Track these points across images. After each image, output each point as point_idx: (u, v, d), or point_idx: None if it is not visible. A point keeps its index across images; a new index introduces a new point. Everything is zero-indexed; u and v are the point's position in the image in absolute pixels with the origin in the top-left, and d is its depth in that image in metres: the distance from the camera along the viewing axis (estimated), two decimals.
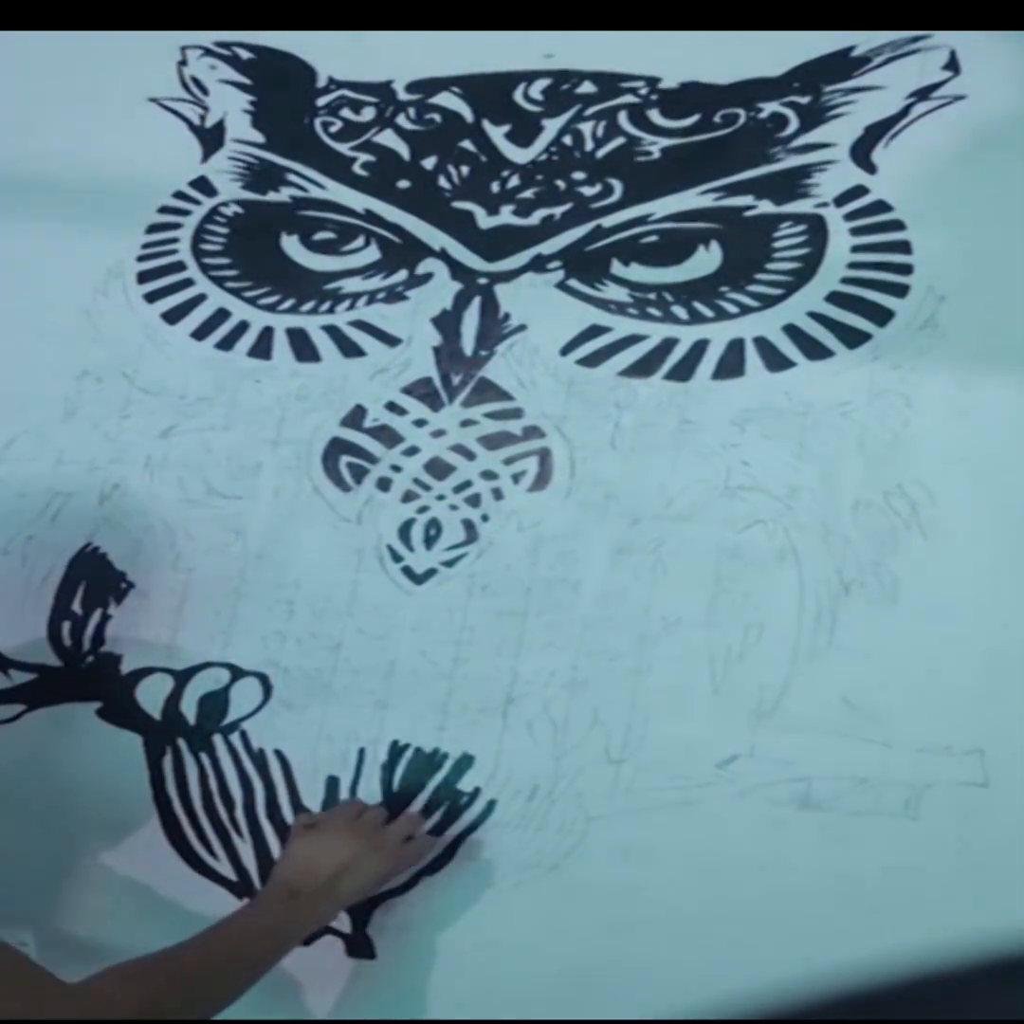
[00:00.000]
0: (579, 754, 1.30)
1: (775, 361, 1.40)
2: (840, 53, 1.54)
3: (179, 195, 1.66)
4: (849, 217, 1.45)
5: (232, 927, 1.14)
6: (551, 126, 1.60)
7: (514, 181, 1.57)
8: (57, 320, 1.59)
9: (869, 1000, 1.16)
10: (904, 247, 1.42)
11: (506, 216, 1.55)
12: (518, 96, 1.63)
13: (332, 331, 1.53)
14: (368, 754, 1.36)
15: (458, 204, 1.57)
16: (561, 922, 1.26)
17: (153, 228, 1.64)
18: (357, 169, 1.63)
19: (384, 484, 1.45)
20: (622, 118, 1.58)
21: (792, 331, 1.41)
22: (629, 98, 1.59)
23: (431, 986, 1.28)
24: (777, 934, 1.21)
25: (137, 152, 1.70)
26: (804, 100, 1.53)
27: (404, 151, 1.63)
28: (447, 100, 1.65)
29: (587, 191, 1.54)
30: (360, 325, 1.53)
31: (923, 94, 1.49)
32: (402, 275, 1.54)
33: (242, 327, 1.56)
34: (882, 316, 1.39)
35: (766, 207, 1.48)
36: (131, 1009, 0.99)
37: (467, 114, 1.64)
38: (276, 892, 1.18)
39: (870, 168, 1.47)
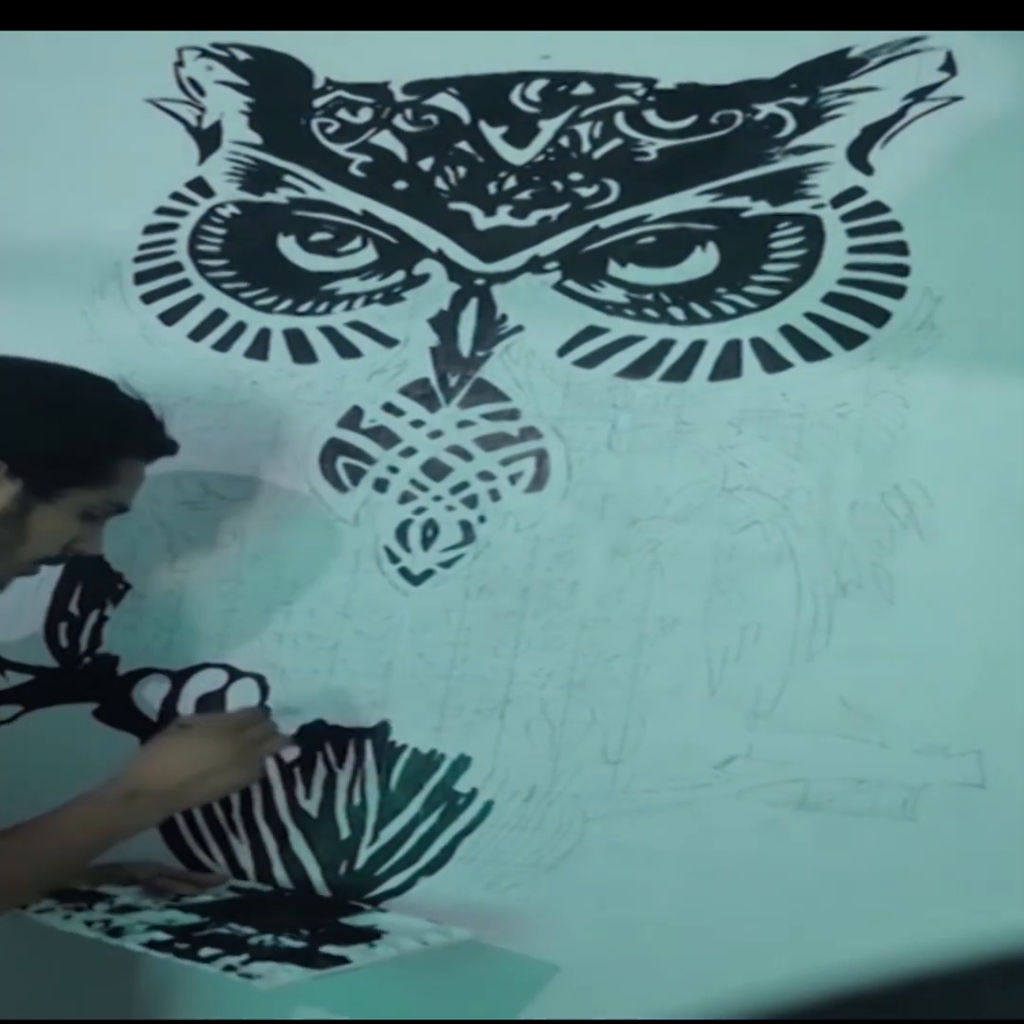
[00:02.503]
0: (576, 755, 1.31)
1: (772, 362, 1.40)
2: (837, 54, 1.54)
3: (176, 196, 1.66)
4: (846, 218, 1.45)
5: (61, 815, 1.15)
6: (548, 127, 1.60)
7: (511, 182, 1.57)
8: (54, 320, 1.59)
9: (867, 1000, 1.16)
10: (901, 248, 1.42)
11: (503, 217, 1.55)
12: (515, 97, 1.63)
13: (329, 332, 1.53)
14: (366, 755, 1.36)
15: (455, 205, 1.57)
16: (559, 922, 1.26)
17: (150, 229, 1.65)
18: (354, 170, 1.63)
19: (381, 485, 1.45)
20: (619, 119, 1.58)
21: (789, 332, 1.41)
22: (626, 99, 1.59)
23: (430, 986, 1.28)
24: (775, 934, 1.21)
25: (134, 153, 1.70)
26: (801, 101, 1.53)
27: (401, 152, 1.63)
28: (444, 101, 1.65)
29: (584, 192, 1.54)
30: (357, 326, 1.53)
31: (920, 95, 1.49)
32: (399, 276, 1.55)
33: (239, 328, 1.56)
34: (879, 317, 1.39)
35: (763, 208, 1.48)
36: None
37: (464, 115, 1.64)
38: (116, 790, 1.18)
39: (867, 169, 1.47)
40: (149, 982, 1.33)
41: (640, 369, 1.43)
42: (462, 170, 1.60)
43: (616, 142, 1.57)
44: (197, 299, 1.59)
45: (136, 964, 1.29)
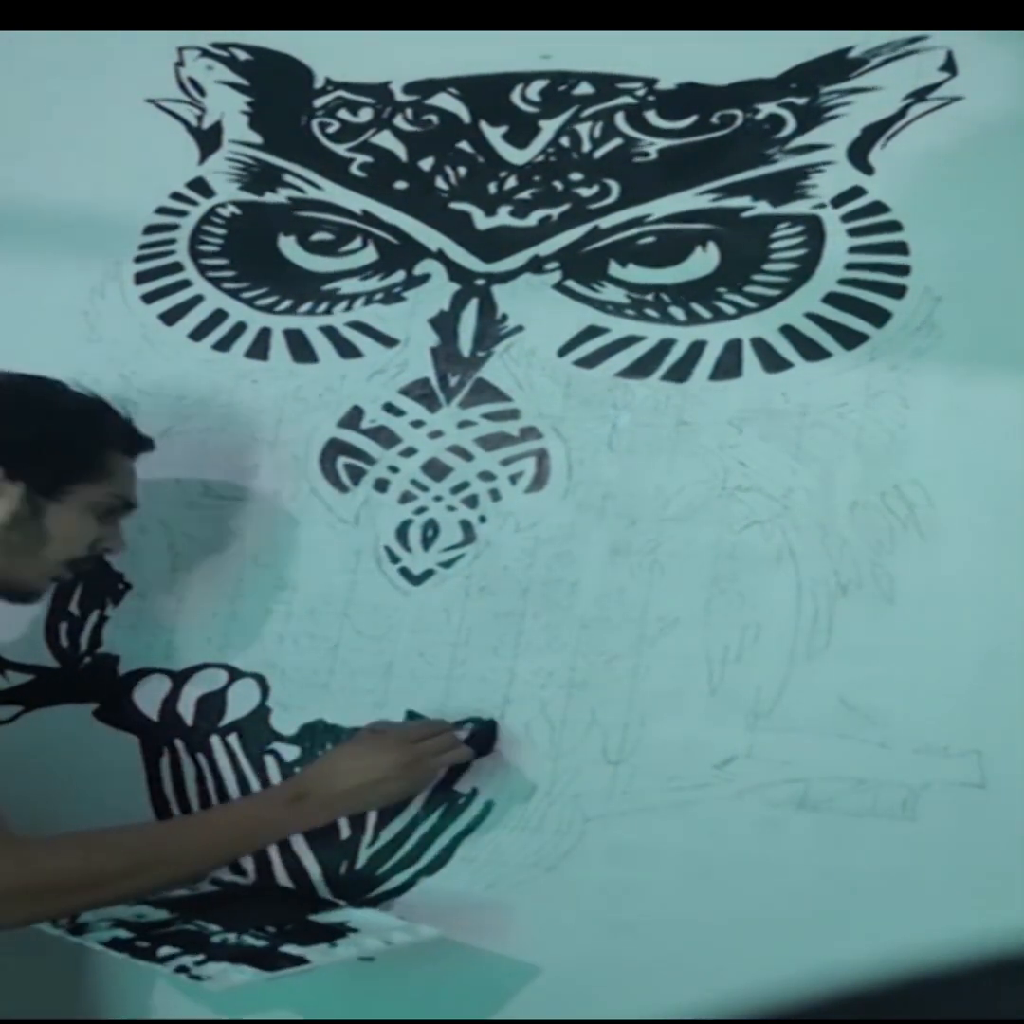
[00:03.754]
0: (577, 755, 1.31)
1: (772, 362, 1.40)
2: (837, 54, 1.54)
3: (177, 196, 1.66)
4: (846, 218, 1.45)
5: (219, 817, 1.23)
6: (548, 127, 1.60)
7: (511, 182, 1.57)
8: (54, 321, 1.59)
9: (867, 1000, 1.16)
10: (901, 248, 1.42)
11: (503, 217, 1.55)
12: (515, 97, 1.63)
13: (329, 332, 1.53)
14: None
15: (455, 205, 1.57)
16: (559, 922, 1.26)
17: (150, 229, 1.64)
18: (354, 170, 1.63)
19: (382, 485, 1.45)
20: (619, 119, 1.58)
21: (789, 332, 1.41)
22: (626, 99, 1.59)
23: (430, 986, 1.28)
24: (775, 934, 1.21)
25: (134, 153, 1.70)
26: (801, 101, 1.53)
27: (401, 152, 1.63)
28: (444, 101, 1.65)
29: (584, 192, 1.54)
30: (357, 326, 1.53)
31: (920, 95, 1.49)
32: (399, 276, 1.54)
33: (240, 328, 1.56)
34: (879, 317, 1.39)
35: (763, 208, 1.48)
36: (46, 870, 1.08)
37: (464, 115, 1.64)
38: (281, 792, 1.25)
39: (867, 169, 1.47)
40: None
41: (640, 369, 1.43)
42: (462, 170, 1.60)
43: (616, 142, 1.57)
44: (197, 299, 1.59)
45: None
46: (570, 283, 1.49)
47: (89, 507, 1.24)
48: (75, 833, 1.14)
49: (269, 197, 1.64)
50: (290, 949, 1.14)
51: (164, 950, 1.11)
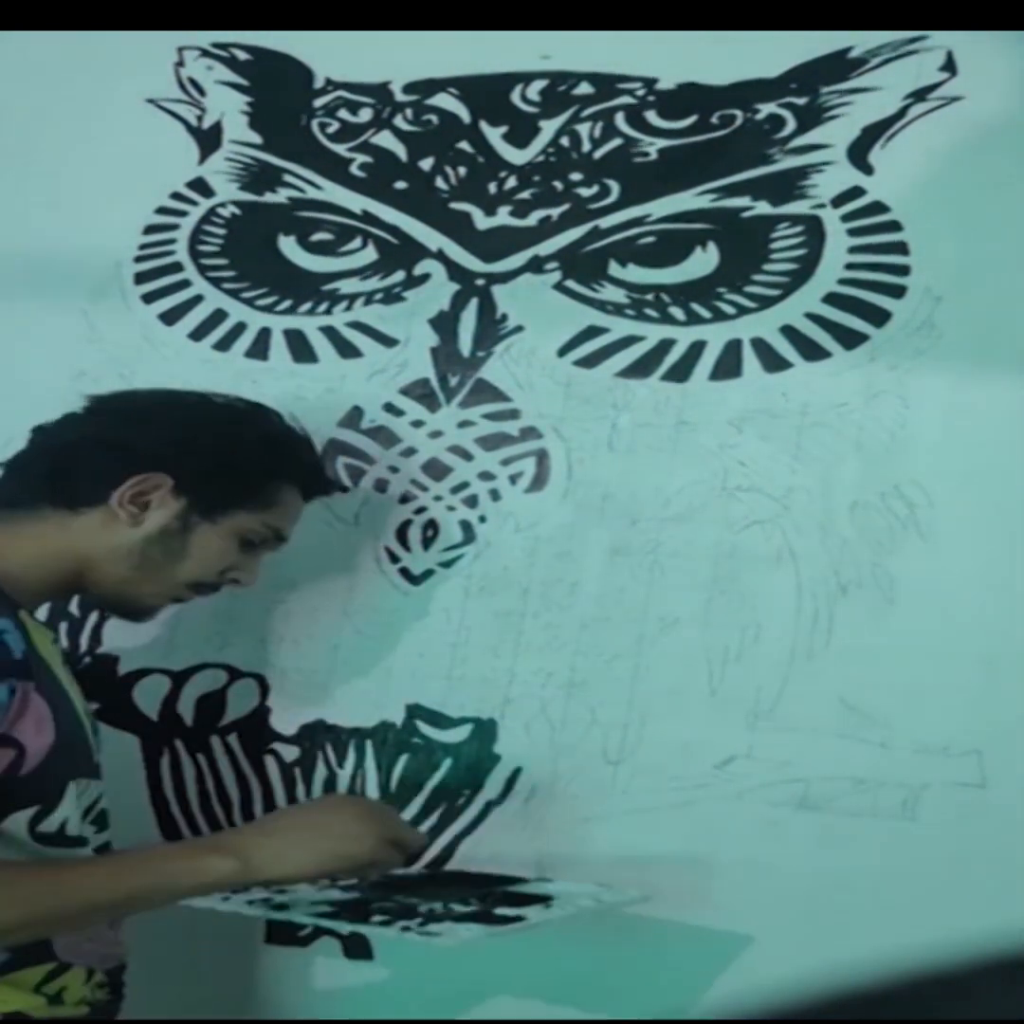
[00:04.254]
0: (577, 755, 1.31)
1: (772, 362, 1.40)
2: (837, 54, 1.54)
3: (177, 196, 1.66)
4: (846, 218, 1.45)
5: (155, 868, 1.04)
6: (548, 127, 1.60)
7: (511, 182, 1.57)
8: (54, 321, 1.59)
9: (867, 1000, 1.16)
10: (901, 248, 1.42)
11: (503, 217, 1.55)
12: (515, 97, 1.63)
13: (329, 332, 1.53)
14: (366, 755, 1.36)
15: (455, 205, 1.57)
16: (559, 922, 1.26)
17: (150, 229, 1.64)
18: (354, 170, 1.63)
19: (382, 485, 1.45)
20: (619, 119, 1.58)
21: (789, 332, 1.41)
22: (626, 99, 1.59)
23: (430, 986, 1.28)
24: (774, 934, 1.21)
25: (134, 153, 1.70)
26: (801, 101, 1.53)
27: (401, 152, 1.63)
28: (444, 101, 1.65)
29: (584, 192, 1.54)
30: (357, 326, 1.53)
31: (920, 95, 1.49)
32: (399, 276, 1.54)
33: (240, 328, 1.56)
34: (879, 317, 1.39)
35: (763, 208, 1.48)
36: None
37: (464, 115, 1.64)
38: (227, 863, 1.04)
39: (867, 169, 1.47)
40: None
41: (640, 369, 1.43)
42: (462, 170, 1.60)
43: (616, 142, 1.57)
44: (197, 299, 1.59)
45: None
46: (570, 283, 1.49)
47: (238, 533, 1.20)
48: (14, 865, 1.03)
49: (269, 197, 1.64)
50: (506, 910, 1.10)
51: (378, 917, 1.07)
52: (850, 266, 1.43)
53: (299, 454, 1.26)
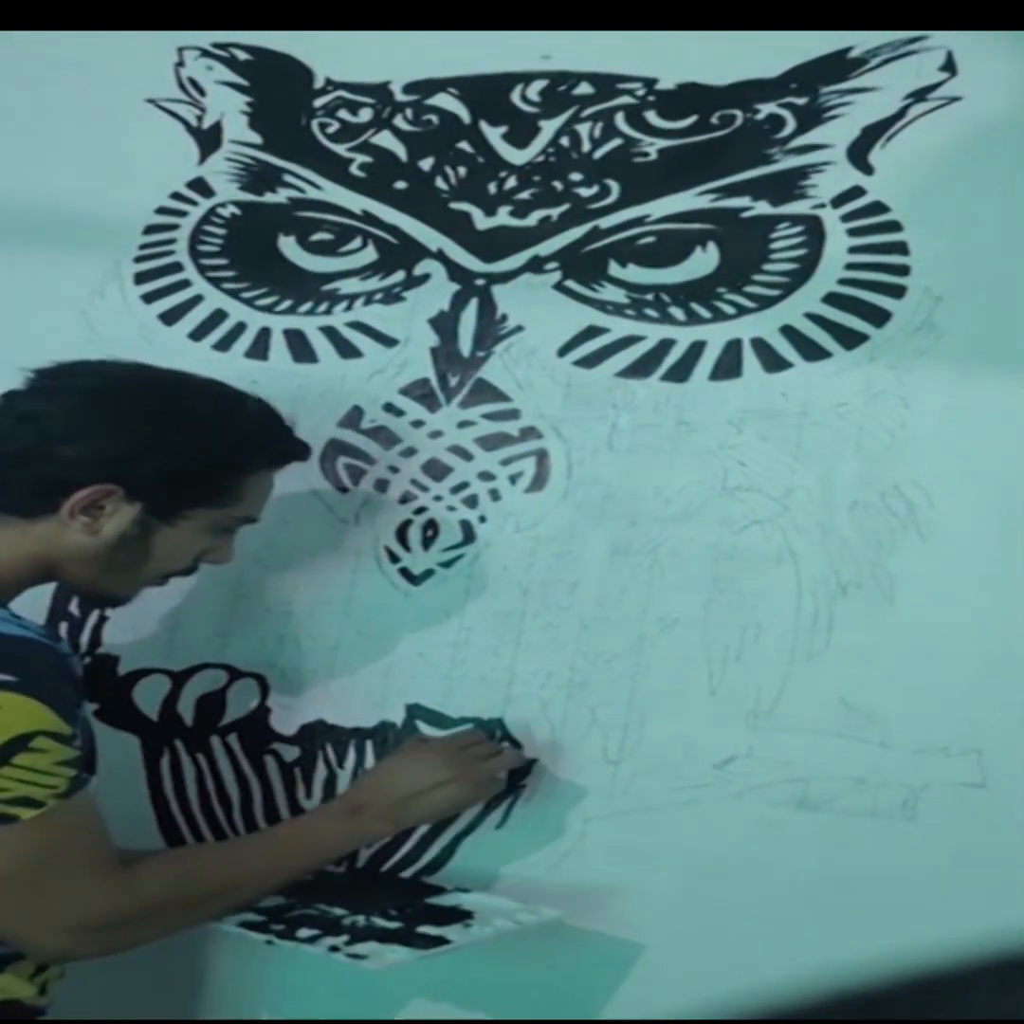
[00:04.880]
0: (577, 755, 1.31)
1: (772, 362, 1.40)
2: (837, 54, 1.54)
3: (176, 196, 1.66)
4: (846, 218, 1.45)
5: (280, 834, 1.21)
6: (548, 127, 1.60)
7: (511, 182, 1.57)
8: (55, 321, 1.59)
9: (867, 1000, 1.16)
10: (901, 248, 1.42)
11: (503, 217, 1.55)
12: (515, 97, 1.63)
13: (329, 332, 1.53)
14: (366, 755, 1.36)
15: (455, 205, 1.57)
16: (560, 923, 1.26)
17: (150, 229, 1.65)
18: (354, 170, 1.63)
19: (382, 485, 1.45)
20: (619, 119, 1.58)
21: (789, 332, 1.41)
22: (626, 99, 1.59)
23: (430, 986, 1.28)
24: (775, 934, 1.21)
25: (134, 153, 1.70)
26: (801, 101, 1.53)
27: (401, 152, 1.63)
28: (444, 101, 1.65)
29: (584, 192, 1.54)
30: (357, 326, 1.53)
31: (920, 95, 1.49)
32: (399, 276, 1.55)
33: (240, 328, 1.56)
34: (879, 317, 1.39)
35: (763, 208, 1.48)
36: (150, 894, 1.07)
37: (464, 115, 1.64)
38: (338, 806, 1.22)
39: (867, 169, 1.47)
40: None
41: (640, 369, 1.43)
42: (462, 170, 1.60)
43: (616, 142, 1.57)
44: (197, 299, 1.59)
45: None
46: (570, 283, 1.49)
47: (205, 527, 1.18)
48: (164, 854, 1.18)
49: (269, 197, 1.64)
50: (428, 929, 1.13)
51: (303, 932, 1.11)
52: (850, 266, 1.43)
53: (266, 439, 1.21)
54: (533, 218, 1.54)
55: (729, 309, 1.44)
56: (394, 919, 1.15)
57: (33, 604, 1.44)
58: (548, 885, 1.27)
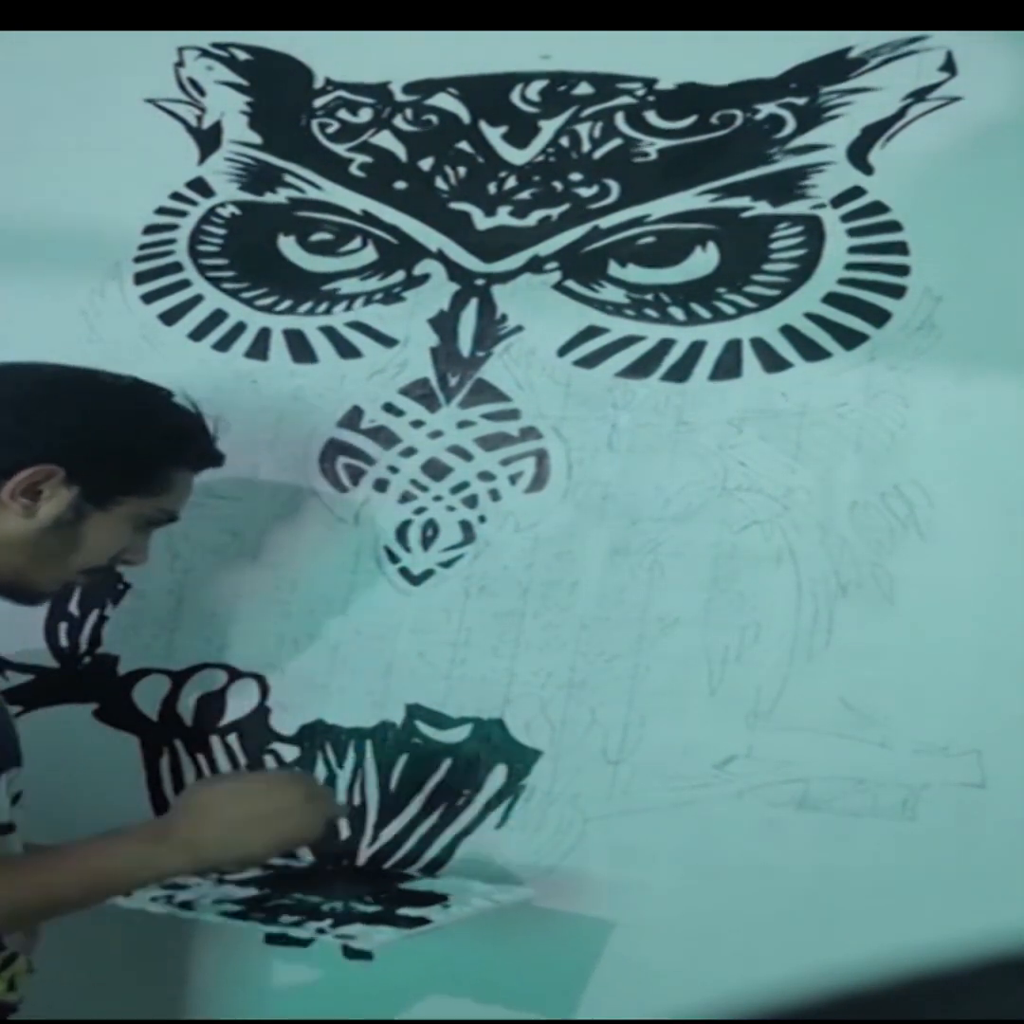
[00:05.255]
0: (576, 755, 1.31)
1: (772, 362, 1.40)
2: (837, 54, 1.54)
3: (176, 196, 1.66)
4: (846, 218, 1.45)
5: (97, 850, 1.07)
6: (548, 127, 1.60)
7: (511, 182, 1.57)
8: (54, 321, 1.59)
9: (866, 1000, 1.16)
10: (901, 248, 1.42)
11: (503, 217, 1.55)
12: (515, 97, 1.63)
13: (329, 332, 1.53)
14: (366, 755, 1.36)
15: (455, 205, 1.57)
16: (559, 922, 1.26)
17: (150, 229, 1.64)
18: (354, 170, 1.63)
19: (381, 485, 1.45)
20: (619, 119, 1.58)
21: (789, 332, 1.41)
22: (626, 99, 1.59)
23: (430, 986, 1.28)
24: (775, 934, 1.21)
25: (134, 153, 1.70)
26: (801, 101, 1.53)
27: (401, 152, 1.63)
28: (444, 101, 1.65)
29: (584, 192, 1.54)
30: (357, 326, 1.53)
31: (920, 95, 1.49)
32: (399, 276, 1.54)
33: (239, 328, 1.56)
34: (879, 317, 1.39)
35: (763, 208, 1.48)
36: None
37: (464, 115, 1.64)
38: (148, 828, 1.12)
39: (867, 169, 1.47)
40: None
41: (640, 369, 1.43)
42: (462, 170, 1.60)
43: (616, 142, 1.57)
44: (197, 299, 1.59)
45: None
46: (570, 283, 1.49)
47: (131, 518, 1.18)
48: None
49: (269, 197, 1.64)
50: (408, 911, 1.12)
51: (285, 918, 1.10)
52: (850, 266, 1.43)
53: (191, 437, 1.23)
54: (533, 218, 1.54)
55: (729, 309, 1.44)
56: (371, 904, 1.15)
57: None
58: (548, 885, 1.27)
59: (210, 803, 1.10)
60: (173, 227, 1.64)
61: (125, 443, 1.17)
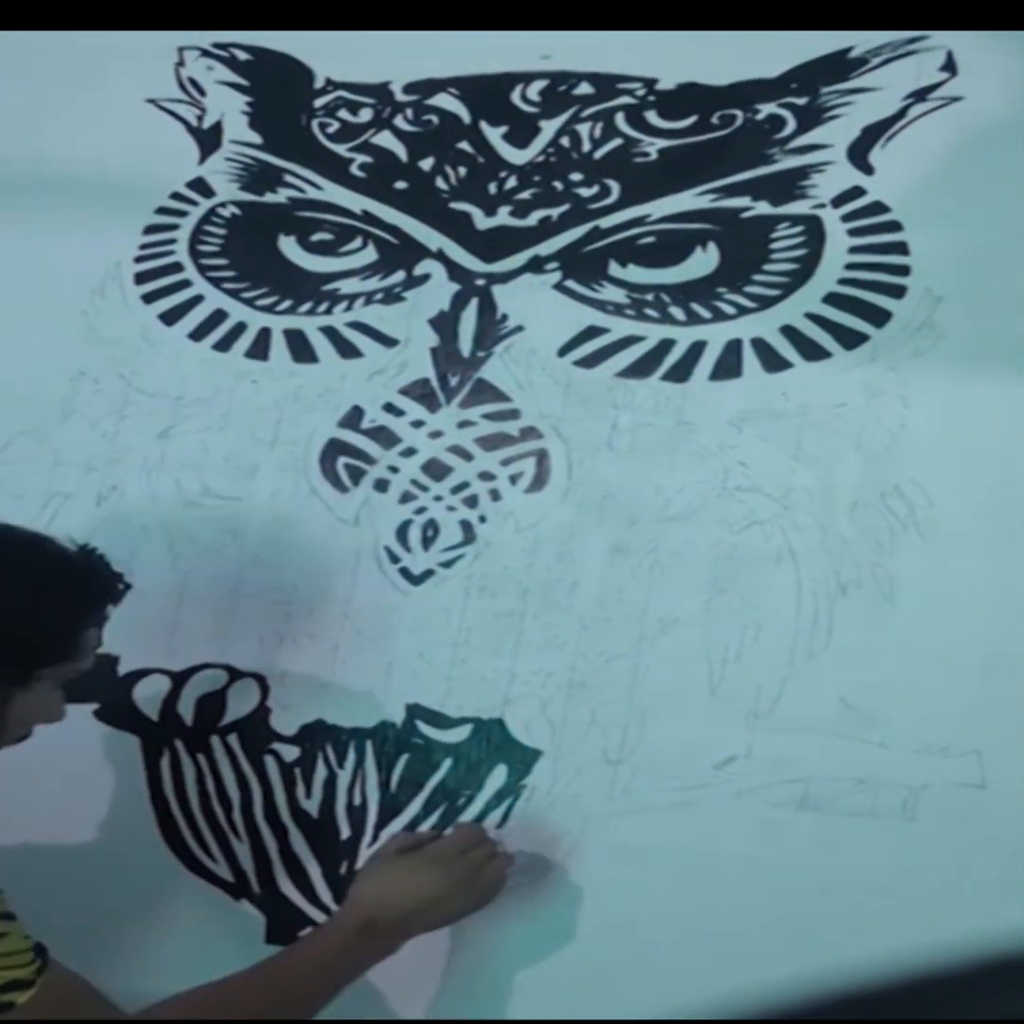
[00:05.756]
0: (577, 755, 1.30)
1: (772, 362, 1.40)
2: (837, 54, 1.54)
3: (177, 196, 1.66)
4: (846, 218, 1.45)
5: (294, 962, 1.11)
6: (548, 127, 1.60)
7: (511, 182, 1.57)
8: (54, 321, 1.59)
9: (866, 1000, 1.16)
10: (901, 248, 1.42)
11: (503, 217, 1.55)
12: (515, 97, 1.63)
13: (329, 332, 1.53)
14: (366, 755, 1.36)
15: (455, 205, 1.57)
16: (559, 923, 1.26)
17: (150, 229, 1.64)
18: (354, 170, 1.63)
19: (382, 485, 1.45)
20: (619, 119, 1.58)
21: (789, 332, 1.41)
22: (626, 99, 1.59)
23: (430, 986, 1.28)
24: (775, 934, 1.21)
25: (134, 153, 1.70)
26: (801, 101, 1.53)
27: (401, 152, 1.63)
28: (444, 101, 1.65)
29: (585, 192, 1.54)
30: (357, 326, 1.53)
31: (920, 95, 1.49)
32: (400, 276, 1.55)
33: (240, 328, 1.56)
34: (879, 317, 1.39)
35: (763, 208, 1.48)
36: None
37: (464, 115, 1.64)
38: (350, 923, 1.13)
39: (867, 169, 1.47)
40: None
41: (640, 369, 1.43)
42: (462, 170, 1.60)
43: (616, 142, 1.57)
44: (197, 299, 1.59)
45: None
46: (570, 283, 1.49)
47: (56, 686, 1.12)
48: (175, 1001, 1.08)
49: (269, 197, 1.64)
50: None
51: None
52: (850, 266, 1.43)
53: (106, 591, 1.15)
54: (533, 218, 1.54)
55: (729, 309, 1.44)
56: None
57: None
58: (547, 885, 1.27)
59: (379, 887, 1.16)
60: (173, 227, 1.64)
61: (39, 616, 1.07)
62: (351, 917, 1.14)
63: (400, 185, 1.61)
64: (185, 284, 1.60)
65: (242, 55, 1.75)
